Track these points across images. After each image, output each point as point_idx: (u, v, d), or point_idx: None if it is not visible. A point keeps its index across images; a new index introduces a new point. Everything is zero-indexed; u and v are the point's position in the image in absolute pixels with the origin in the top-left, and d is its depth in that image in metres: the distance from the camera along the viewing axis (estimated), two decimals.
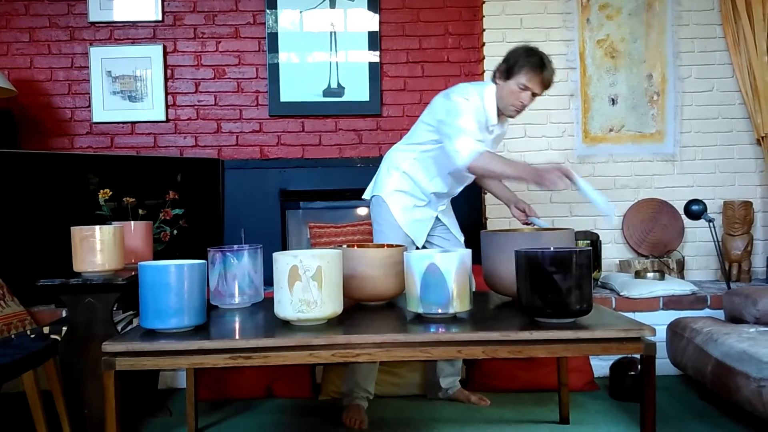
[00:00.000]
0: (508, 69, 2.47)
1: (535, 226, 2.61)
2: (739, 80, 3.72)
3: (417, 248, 2.65)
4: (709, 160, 3.77)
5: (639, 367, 2.67)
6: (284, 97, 3.88)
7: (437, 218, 2.70)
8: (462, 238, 2.76)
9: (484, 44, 3.78)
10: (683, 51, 3.77)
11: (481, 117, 2.48)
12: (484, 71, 3.79)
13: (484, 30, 3.78)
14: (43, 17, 3.86)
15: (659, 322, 3.03)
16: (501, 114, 2.56)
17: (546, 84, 2.46)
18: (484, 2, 3.77)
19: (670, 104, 3.77)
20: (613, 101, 3.79)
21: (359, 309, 2.16)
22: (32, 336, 2.51)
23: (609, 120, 3.79)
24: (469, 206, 3.80)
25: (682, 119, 3.77)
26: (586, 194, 2.24)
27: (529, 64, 2.42)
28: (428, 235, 2.69)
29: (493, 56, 3.75)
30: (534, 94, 2.47)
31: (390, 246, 2.31)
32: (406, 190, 2.63)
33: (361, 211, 3.83)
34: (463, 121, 2.41)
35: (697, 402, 2.78)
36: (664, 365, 2.96)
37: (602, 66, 3.78)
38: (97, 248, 2.24)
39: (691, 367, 2.68)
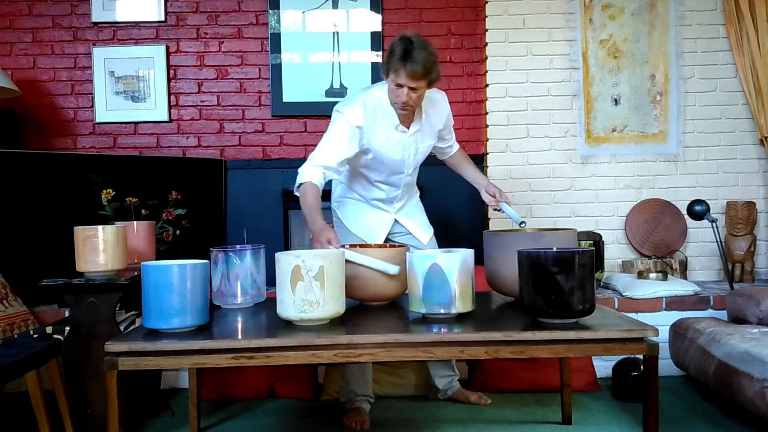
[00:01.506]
0: (383, 65, 2.36)
1: (506, 216, 2.55)
2: (743, 80, 3.71)
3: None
4: (712, 161, 3.77)
5: (642, 367, 2.67)
6: (287, 97, 3.88)
7: (396, 221, 2.67)
8: (427, 236, 2.69)
9: (486, 44, 3.78)
10: (686, 51, 3.76)
11: (351, 137, 2.37)
12: (486, 71, 3.79)
13: (486, 30, 3.78)
14: (46, 17, 3.87)
15: (662, 322, 3.02)
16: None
17: (415, 76, 2.25)
18: (486, 2, 3.77)
19: (673, 104, 3.76)
20: (616, 101, 3.78)
21: (361, 309, 2.16)
22: (35, 336, 2.51)
23: (612, 120, 3.78)
24: (471, 206, 3.80)
25: (685, 119, 3.77)
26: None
27: (392, 59, 2.27)
28: (389, 239, 2.66)
29: (495, 56, 3.75)
30: (412, 89, 2.29)
31: (392, 246, 2.31)
32: (352, 197, 2.66)
33: None
34: (322, 143, 2.38)
35: (700, 402, 2.77)
36: (666, 366, 2.96)
37: (605, 66, 3.78)
38: (99, 248, 2.24)
39: (693, 367, 2.67)
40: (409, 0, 3.93)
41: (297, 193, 2.37)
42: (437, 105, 2.57)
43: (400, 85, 2.30)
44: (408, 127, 2.48)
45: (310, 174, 2.34)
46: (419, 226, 2.70)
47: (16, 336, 2.59)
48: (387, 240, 2.67)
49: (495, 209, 2.60)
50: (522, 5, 3.75)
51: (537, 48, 3.76)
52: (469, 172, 2.73)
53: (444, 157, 2.79)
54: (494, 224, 3.74)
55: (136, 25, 3.89)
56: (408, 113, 2.45)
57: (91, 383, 2.30)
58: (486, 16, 3.78)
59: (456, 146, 2.77)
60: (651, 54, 3.77)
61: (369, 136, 2.43)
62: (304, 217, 2.32)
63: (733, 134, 3.76)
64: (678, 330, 2.87)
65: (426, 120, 2.53)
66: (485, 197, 2.62)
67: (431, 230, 2.74)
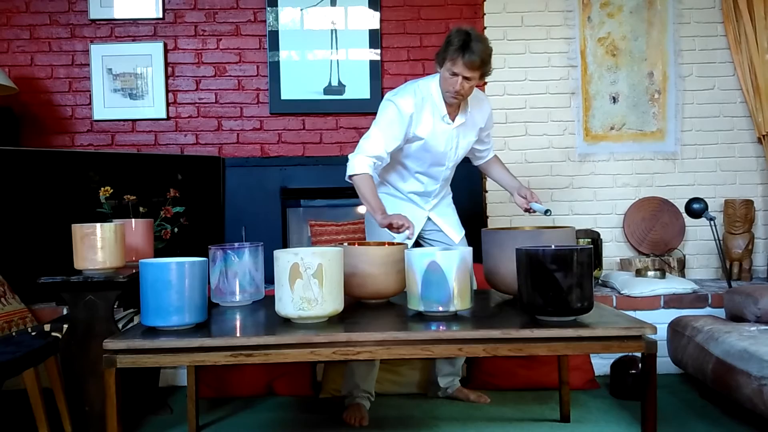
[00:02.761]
0: (438, 55, 2.44)
1: (536, 213, 2.57)
2: (741, 78, 3.71)
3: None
4: (710, 159, 3.77)
5: (640, 365, 2.67)
6: (285, 94, 3.87)
7: (429, 219, 2.68)
8: (459, 236, 2.72)
9: None
10: (684, 49, 3.76)
11: (401, 124, 2.43)
12: None
13: (485, 28, 3.77)
14: (43, 14, 3.86)
15: (660, 320, 3.03)
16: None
17: (472, 66, 2.34)
18: (484, 0, 3.76)
19: (671, 102, 3.77)
20: (614, 99, 3.78)
21: (360, 307, 2.16)
22: (33, 333, 2.51)
23: (610, 118, 3.78)
24: (470, 204, 3.80)
25: (683, 117, 3.77)
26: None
27: (450, 48, 2.35)
28: (422, 236, 2.68)
29: (493, 54, 3.73)
30: (467, 78, 2.37)
31: (391, 244, 2.31)
32: (386, 192, 2.65)
33: (362, 209, 3.83)
34: (371, 133, 2.45)
35: (698, 400, 2.78)
36: (664, 364, 2.96)
37: (603, 64, 3.78)
38: (98, 246, 2.24)
39: (691, 365, 2.68)
40: None
41: (349, 181, 2.46)
42: (482, 104, 2.64)
43: (455, 74, 2.37)
44: (453, 120, 2.52)
45: (362, 165, 2.40)
46: (451, 225, 2.72)
47: (14, 334, 2.58)
48: (419, 237, 2.68)
49: (526, 209, 2.62)
50: (520, 3, 3.75)
51: (535, 46, 3.76)
52: (502, 175, 2.78)
53: (479, 162, 2.82)
54: (493, 222, 3.74)
55: (134, 22, 3.88)
56: (455, 105, 2.51)
57: (90, 381, 2.30)
58: (484, 14, 3.78)
59: (492, 152, 2.81)
60: (649, 52, 3.77)
61: (417, 123, 2.47)
62: (365, 203, 2.42)
63: (731, 132, 3.77)
64: (676, 328, 2.87)
65: (470, 116, 2.57)
66: (517, 200, 2.65)
67: (462, 231, 2.75)
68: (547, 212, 2.49)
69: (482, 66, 2.38)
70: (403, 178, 2.63)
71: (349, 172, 2.43)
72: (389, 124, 2.45)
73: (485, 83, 3.77)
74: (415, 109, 2.46)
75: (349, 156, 2.45)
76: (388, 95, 2.53)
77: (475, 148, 2.73)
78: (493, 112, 2.72)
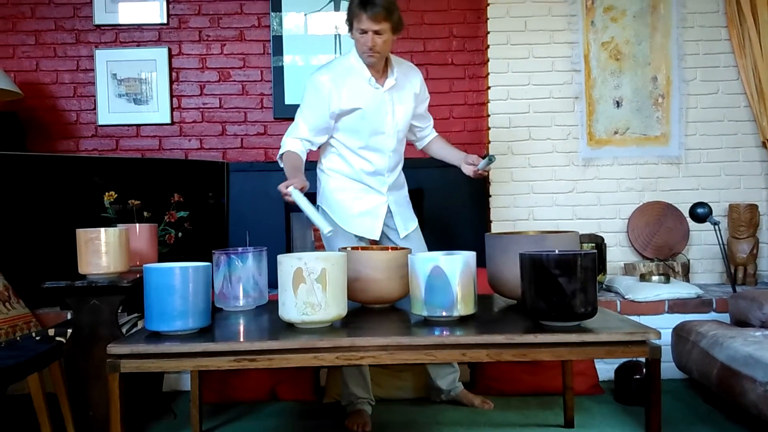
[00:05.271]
0: (346, 21, 2.44)
1: (487, 168, 2.52)
2: (745, 83, 3.71)
3: (375, 241, 2.61)
4: (714, 163, 3.76)
5: (644, 370, 2.66)
6: (289, 99, 3.88)
7: (389, 209, 2.62)
8: (405, 231, 2.64)
9: (488, 47, 3.78)
10: (688, 53, 3.76)
11: (319, 101, 2.45)
12: (488, 74, 3.79)
13: (488, 32, 3.78)
14: (48, 20, 3.88)
15: (664, 325, 3.02)
16: (388, 61, 2.53)
17: (376, 18, 2.33)
18: (488, 5, 3.77)
19: (675, 107, 3.76)
20: (618, 104, 3.78)
21: (363, 312, 2.16)
22: (37, 338, 2.52)
23: (614, 122, 3.78)
24: (473, 209, 3.80)
25: (687, 122, 3.76)
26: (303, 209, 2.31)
27: (353, 7, 2.37)
28: (386, 228, 2.63)
29: (497, 58, 3.75)
30: (377, 33, 2.36)
31: (394, 248, 2.31)
32: (340, 180, 2.59)
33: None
34: (296, 116, 2.52)
35: (703, 406, 2.77)
36: (669, 369, 2.95)
37: (607, 68, 3.78)
38: (102, 250, 2.25)
39: (696, 370, 2.67)
40: (411, 2, 3.93)
41: (280, 164, 2.52)
42: (410, 69, 2.64)
43: (364, 31, 2.37)
44: (383, 84, 2.51)
45: (291, 144, 2.50)
46: (403, 217, 2.66)
47: (18, 338, 2.59)
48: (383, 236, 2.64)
49: (477, 173, 2.56)
50: (524, 8, 3.75)
51: (539, 50, 3.76)
52: (446, 151, 2.75)
53: (422, 142, 2.79)
54: (496, 227, 3.73)
55: (139, 27, 3.90)
56: (380, 69, 2.50)
57: (94, 386, 2.30)
58: (488, 19, 3.78)
59: (434, 132, 2.80)
60: (653, 56, 3.76)
61: (340, 96, 2.45)
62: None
63: (735, 137, 3.76)
64: (680, 333, 2.86)
65: (400, 78, 2.54)
66: (466, 169, 2.61)
67: (414, 222, 2.70)
68: (491, 159, 2.46)
69: (388, 16, 2.35)
70: (347, 160, 2.58)
71: (279, 152, 2.52)
72: (309, 103, 2.49)
73: (488, 87, 3.77)
74: (333, 83, 2.44)
75: (281, 141, 2.54)
76: (310, 77, 2.52)
77: (415, 126, 2.71)
78: (422, 77, 2.67)
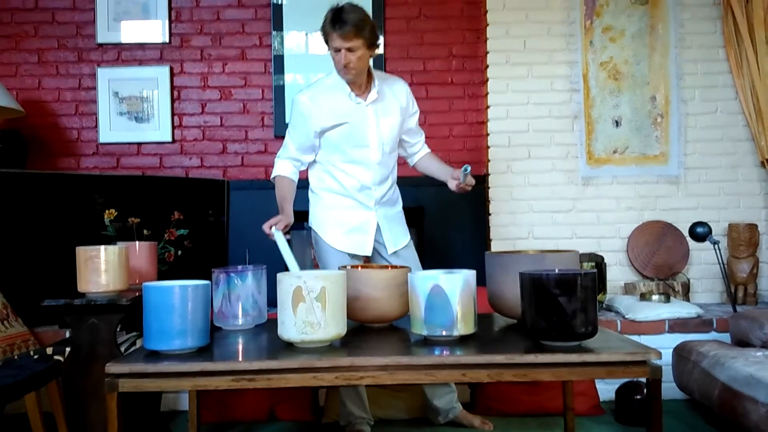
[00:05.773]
0: (324, 42, 2.47)
1: (467, 180, 2.50)
2: (743, 102, 3.73)
3: (367, 257, 2.62)
4: (713, 182, 3.77)
5: (645, 390, 2.65)
6: (290, 118, 3.89)
7: (378, 226, 2.61)
8: (398, 245, 2.63)
9: (487, 66, 3.81)
10: (686, 73, 3.79)
11: (302, 120, 2.52)
12: (487, 93, 3.81)
13: (487, 52, 3.81)
14: (51, 39, 3.91)
15: (665, 345, 3.01)
16: (370, 76, 2.54)
17: (346, 36, 2.35)
18: (487, 25, 3.80)
19: (674, 126, 3.78)
20: (617, 123, 3.80)
21: (363, 331, 2.15)
22: (35, 357, 2.50)
23: (613, 141, 3.79)
24: (473, 227, 3.80)
25: (686, 141, 3.78)
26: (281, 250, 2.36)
27: (325, 27, 2.41)
28: (376, 244, 2.62)
29: (496, 78, 3.78)
30: (349, 50, 2.38)
31: (395, 267, 2.30)
32: (328, 197, 2.60)
33: None
34: (287, 137, 2.62)
35: (704, 427, 2.75)
36: (670, 389, 2.93)
37: (605, 88, 3.80)
38: (101, 269, 2.24)
39: (697, 391, 2.65)
40: (411, 22, 3.96)
41: (274, 182, 2.63)
42: (395, 82, 2.66)
43: (337, 50, 2.40)
44: (365, 99, 2.52)
45: (282, 167, 2.61)
46: (392, 235, 2.64)
47: (16, 357, 2.58)
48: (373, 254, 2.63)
49: (459, 187, 2.53)
50: (523, 27, 3.78)
51: (538, 70, 3.78)
52: (436, 168, 2.73)
53: (414, 159, 2.78)
54: (496, 245, 3.73)
55: (141, 46, 3.93)
56: (362, 85, 2.52)
57: (91, 405, 2.28)
58: (487, 39, 3.81)
59: (426, 149, 2.79)
60: (651, 76, 3.79)
61: (320, 111, 2.50)
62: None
63: (734, 156, 3.77)
64: (681, 353, 2.85)
65: (383, 92, 2.56)
66: (450, 183, 2.58)
67: (406, 238, 2.69)
68: (465, 170, 2.46)
69: (358, 33, 2.36)
70: (334, 176, 2.58)
71: (272, 173, 2.63)
72: (293, 123, 2.58)
73: (488, 106, 3.79)
74: (313, 102, 2.50)
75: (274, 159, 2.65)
76: (294, 99, 2.59)
77: (405, 141, 2.71)
78: (410, 91, 2.67)
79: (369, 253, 2.60)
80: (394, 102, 2.60)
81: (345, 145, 2.53)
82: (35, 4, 3.90)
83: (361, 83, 2.52)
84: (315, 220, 2.65)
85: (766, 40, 3.64)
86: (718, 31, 3.78)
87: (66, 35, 3.92)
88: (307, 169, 2.67)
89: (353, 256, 2.59)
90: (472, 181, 2.52)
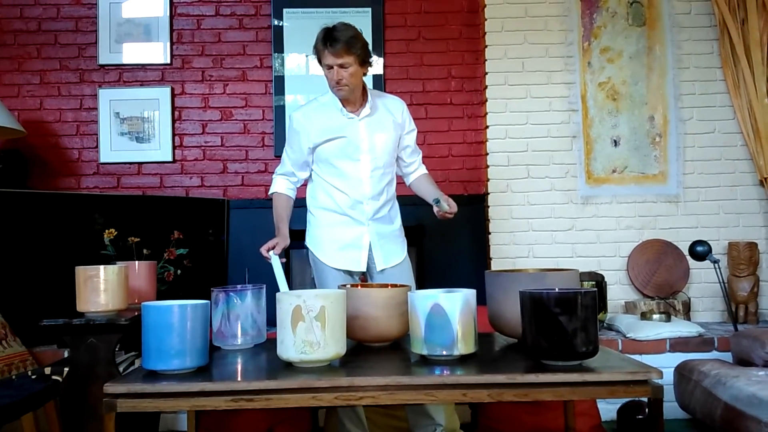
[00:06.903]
0: (317, 61, 2.51)
1: (439, 209, 2.48)
2: (741, 122, 3.75)
3: (363, 273, 2.62)
4: (712, 201, 3.78)
5: (647, 410, 2.63)
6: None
7: (371, 244, 2.58)
8: (389, 264, 2.60)
9: (486, 87, 3.84)
10: (684, 93, 3.81)
11: (295, 136, 2.58)
12: (486, 113, 3.83)
13: (486, 73, 3.84)
14: (54, 60, 3.95)
15: (666, 364, 2.99)
16: (365, 94, 2.56)
17: (337, 54, 2.40)
18: (486, 46, 3.84)
19: (673, 145, 3.80)
20: (616, 142, 3.82)
21: (363, 350, 2.14)
22: (33, 377, 2.49)
23: (612, 161, 3.81)
24: (473, 246, 3.80)
25: (684, 160, 3.79)
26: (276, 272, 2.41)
27: (317, 46, 2.46)
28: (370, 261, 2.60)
29: (495, 99, 3.80)
30: (341, 66, 2.42)
31: (394, 286, 2.30)
32: (324, 221, 2.61)
33: None
34: (284, 154, 2.67)
35: None
36: (671, 409, 2.91)
37: (604, 108, 3.82)
38: (101, 288, 2.24)
39: (699, 410, 2.63)
40: (410, 44, 4.00)
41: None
42: (391, 100, 2.68)
43: (329, 67, 2.44)
44: (358, 114, 2.55)
45: (279, 184, 2.66)
46: (383, 252, 2.60)
47: (13, 377, 2.56)
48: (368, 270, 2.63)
49: (439, 214, 2.50)
50: (521, 49, 3.82)
51: (536, 90, 3.81)
52: (426, 190, 2.69)
53: (410, 178, 2.76)
54: (496, 264, 3.73)
55: (142, 67, 3.96)
56: (350, 97, 2.53)
57: (89, 425, 2.26)
58: (486, 60, 3.84)
59: (423, 168, 2.77)
60: (649, 96, 3.82)
61: (312, 128, 2.54)
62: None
63: (732, 175, 3.78)
64: (683, 372, 2.83)
65: (377, 108, 2.58)
66: (435, 209, 2.53)
67: (402, 254, 2.66)
68: (436, 201, 2.47)
69: (349, 50, 2.40)
70: (328, 192, 2.59)
71: (270, 192, 2.69)
72: (288, 140, 2.64)
73: (487, 126, 3.81)
74: (306, 118, 2.56)
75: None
76: (291, 116, 2.65)
77: (401, 160, 2.70)
78: (407, 108, 2.67)
79: (363, 269, 2.60)
80: (388, 117, 2.60)
81: (336, 159, 2.55)
82: (38, 26, 3.94)
83: (354, 100, 2.54)
84: (311, 239, 2.66)
85: (763, 61, 3.68)
86: (715, 52, 3.82)
87: (68, 56, 3.96)
88: (305, 188, 2.70)
89: (349, 273, 2.59)
90: (450, 208, 2.47)
